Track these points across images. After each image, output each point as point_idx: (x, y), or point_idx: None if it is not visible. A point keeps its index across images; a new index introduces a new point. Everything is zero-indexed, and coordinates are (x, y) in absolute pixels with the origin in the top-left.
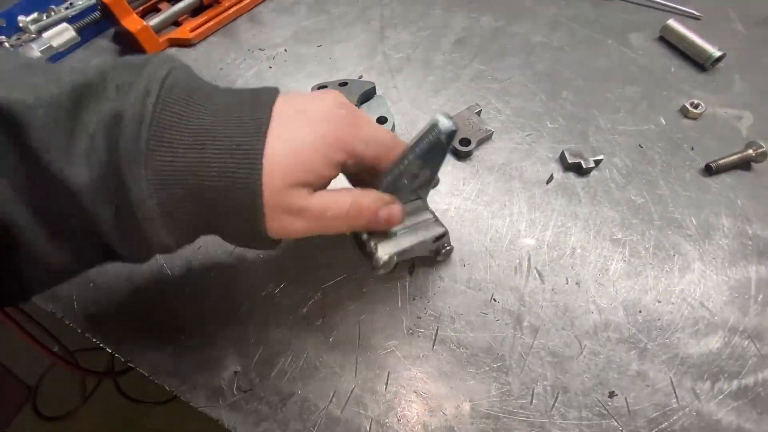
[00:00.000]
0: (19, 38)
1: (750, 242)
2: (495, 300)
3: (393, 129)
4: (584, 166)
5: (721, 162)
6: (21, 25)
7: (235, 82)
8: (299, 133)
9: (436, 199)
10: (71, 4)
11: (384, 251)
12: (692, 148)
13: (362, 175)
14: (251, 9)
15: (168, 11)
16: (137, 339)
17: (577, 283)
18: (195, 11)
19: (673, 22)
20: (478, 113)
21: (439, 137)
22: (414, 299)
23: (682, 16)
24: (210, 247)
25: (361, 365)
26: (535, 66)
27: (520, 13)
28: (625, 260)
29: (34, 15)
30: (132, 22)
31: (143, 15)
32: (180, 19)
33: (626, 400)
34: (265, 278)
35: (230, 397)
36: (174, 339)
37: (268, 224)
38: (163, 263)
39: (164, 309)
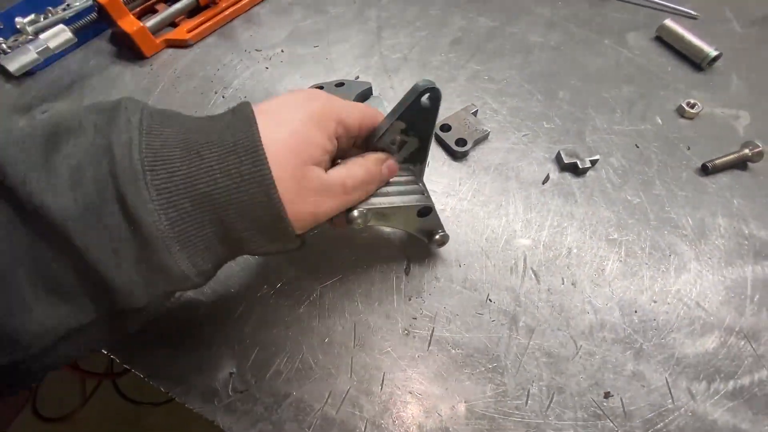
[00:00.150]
0: (16, 39)
1: (746, 242)
2: (491, 300)
3: None
4: (580, 166)
5: (717, 162)
6: (18, 26)
7: (231, 83)
8: (288, 117)
9: (433, 199)
10: (68, 5)
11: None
12: (689, 148)
13: (351, 151)
14: (248, 10)
15: (165, 12)
16: (133, 341)
17: (572, 284)
18: (192, 12)
19: (669, 22)
20: (475, 113)
21: (417, 93)
22: (410, 299)
23: (679, 15)
24: None
25: (356, 366)
26: (532, 66)
27: (517, 14)
28: (621, 260)
29: (32, 16)
30: (128, 23)
31: (140, 16)
32: (177, 20)
33: (622, 400)
34: (261, 279)
35: (226, 398)
36: (170, 341)
37: (300, 208)
38: None
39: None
